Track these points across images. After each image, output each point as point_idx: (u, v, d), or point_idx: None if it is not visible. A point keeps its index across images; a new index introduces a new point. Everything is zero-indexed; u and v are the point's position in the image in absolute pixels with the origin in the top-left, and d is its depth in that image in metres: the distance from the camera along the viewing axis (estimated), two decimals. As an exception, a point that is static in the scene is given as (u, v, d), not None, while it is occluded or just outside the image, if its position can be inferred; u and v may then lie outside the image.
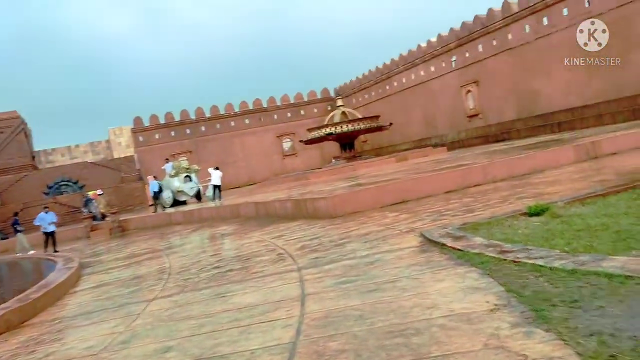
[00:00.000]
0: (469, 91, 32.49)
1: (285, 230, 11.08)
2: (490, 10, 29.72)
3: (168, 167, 26.98)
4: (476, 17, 30.57)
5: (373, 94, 43.42)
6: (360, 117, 30.47)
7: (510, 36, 28.56)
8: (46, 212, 17.92)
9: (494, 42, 29.73)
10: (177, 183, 26.04)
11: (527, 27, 27.36)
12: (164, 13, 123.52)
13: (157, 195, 25.10)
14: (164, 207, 26.10)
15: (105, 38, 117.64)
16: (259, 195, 20.14)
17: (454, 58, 33.43)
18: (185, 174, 26.40)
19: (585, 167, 12.05)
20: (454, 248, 5.82)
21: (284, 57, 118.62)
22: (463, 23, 31.87)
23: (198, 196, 26.55)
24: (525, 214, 7.10)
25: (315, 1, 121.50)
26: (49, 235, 17.65)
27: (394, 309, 4.14)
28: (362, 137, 36.56)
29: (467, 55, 32.10)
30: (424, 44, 36.53)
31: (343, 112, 31.18)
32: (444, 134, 35.22)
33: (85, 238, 22.58)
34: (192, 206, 23.08)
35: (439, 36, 34.59)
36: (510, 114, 29.71)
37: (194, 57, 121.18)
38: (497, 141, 28.37)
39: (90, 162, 46.00)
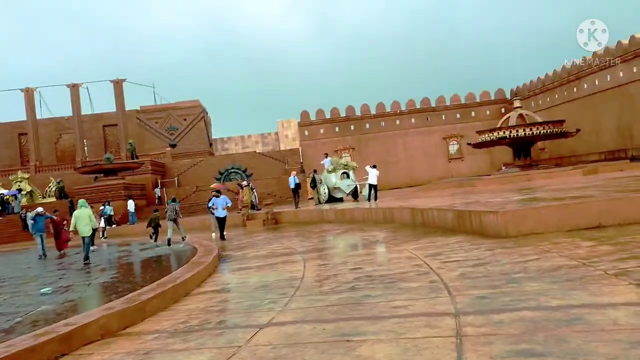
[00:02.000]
0: (682, 96, 27.03)
1: (443, 246, 9.22)
2: None
3: (327, 162, 26.36)
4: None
5: (556, 96, 38.76)
6: (541, 120, 26.89)
7: None
8: (217, 197, 17.27)
9: None
10: (334, 179, 25.27)
11: None
12: (331, 17, 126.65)
13: (295, 190, 24.96)
14: (320, 202, 25.54)
15: (279, 39, 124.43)
16: (417, 200, 18.32)
17: (665, 56, 28.09)
18: (343, 171, 25.49)
19: None
20: None
21: (454, 55, 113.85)
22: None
23: (355, 194, 25.51)
24: None
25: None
26: (220, 221, 17.04)
27: None
28: (539, 144, 32.70)
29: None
30: (625, 41, 31.36)
31: (520, 115, 27.86)
32: (643, 147, 29.93)
33: (241, 226, 22.75)
34: (347, 205, 22.01)
35: (647, 31, 29.34)
36: None
37: (359, 58, 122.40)
38: None
39: (259, 152, 47.87)
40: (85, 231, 14.80)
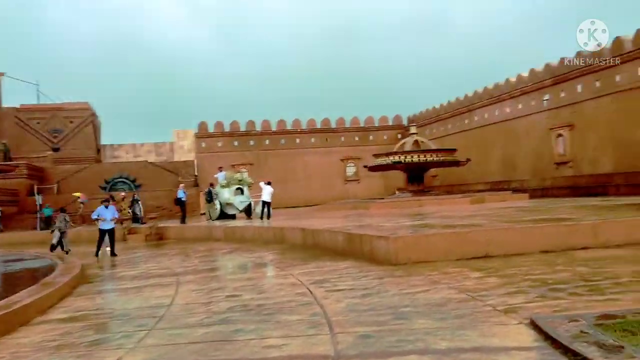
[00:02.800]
0: (559, 135, 29.06)
1: (331, 272, 8.64)
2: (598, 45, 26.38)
3: (220, 176, 25.15)
4: (579, 54, 27.29)
5: (449, 126, 40.48)
6: (435, 148, 27.68)
7: (618, 78, 25.09)
8: (106, 207, 14.93)
9: (597, 84, 26.32)
10: (227, 194, 24.13)
11: (640, 69, 23.92)
12: (238, 30, 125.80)
13: (179, 202, 23.96)
14: (211, 218, 24.30)
15: (181, 49, 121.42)
16: (311, 220, 17.81)
17: (546, 97, 30.14)
18: (237, 186, 24.47)
19: None
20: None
21: (355, 80, 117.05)
22: (562, 59, 28.59)
23: (248, 211, 24.51)
24: None
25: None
26: (106, 233, 14.74)
27: None
28: (432, 171, 33.72)
29: (562, 95, 28.75)
30: (513, 79, 33.41)
31: (415, 141, 28.52)
32: (524, 179, 31.77)
33: (122, 241, 20.93)
34: (238, 222, 21.04)
35: (532, 71, 31.43)
36: (607, 166, 26.08)
37: (264, 74, 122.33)
38: (589, 194, 24.78)
39: (150, 162, 45.39)
40: None
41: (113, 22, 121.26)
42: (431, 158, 26.16)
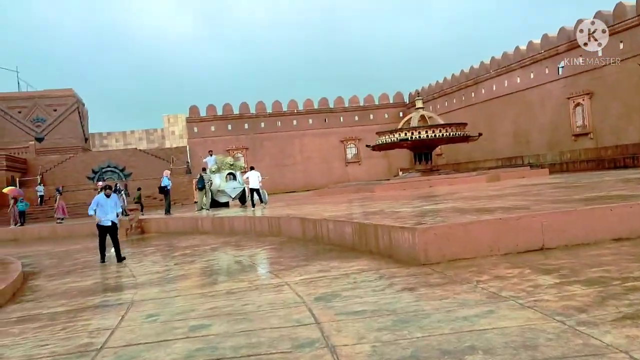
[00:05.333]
0: (578, 104, 26.75)
1: (341, 279, 6.42)
2: (619, 4, 23.95)
3: (210, 160, 22.72)
4: (599, 13, 24.85)
5: (454, 101, 38.14)
6: (444, 123, 25.34)
7: (645, 38, 22.75)
8: (107, 196, 10.99)
9: (621, 45, 23.93)
10: (218, 181, 21.79)
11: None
12: (223, 14, 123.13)
13: (162, 191, 21.56)
14: (202, 207, 21.99)
15: (167, 37, 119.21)
16: (310, 207, 15.56)
17: (561, 64, 27.77)
18: (229, 171, 22.13)
19: None
20: None
21: (352, 58, 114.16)
22: (578, 21, 26.14)
23: (242, 199, 22.22)
24: None
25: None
26: (107, 232, 10.99)
27: None
28: (437, 150, 31.45)
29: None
30: (523, 47, 30.98)
31: (422, 117, 26.18)
32: (539, 154, 29.51)
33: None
34: (228, 212, 18.81)
35: (545, 37, 29.00)
36: (633, 135, 23.80)
37: (253, 58, 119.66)
38: (616, 167, 22.57)
39: (140, 150, 43.05)
40: None
41: (98, 13, 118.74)
42: (440, 133, 23.85)
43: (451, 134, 23.81)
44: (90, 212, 10.94)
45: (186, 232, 16.06)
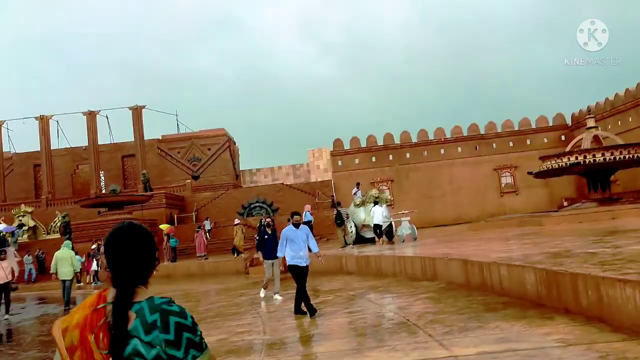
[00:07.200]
0: None
1: (537, 358, 4.38)
2: None
3: (359, 193, 21.45)
4: None
5: (630, 119, 33.04)
6: (625, 143, 21.46)
7: None
8: (296, 227, 9.18)
9: None
10: (362, 215, 20.33)
11: None
12: (364, 54, 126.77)
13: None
14: (346, 244, 20.67)
15: (311, 79, 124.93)
16: (470, 245, 13.34)
17: None
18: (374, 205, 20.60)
19: None
20: None
21: (501, 82, 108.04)
22: None
23: (389, 234, 20.50)
24: None
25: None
26: (302, 273, 8.56)
27: None
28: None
29: None
30: None
31: (595, 137, 22.56)
32: None
33: (243, 274, 18.15)
34: (374, 249, 17.17)
35: None
36: None
37: (396, 91, 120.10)
38: None
39: (287, 185, 43.55)
40: (66, 274, 14.00)
41: (249, 63, 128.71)
42: (621, 156, 20.11)
43: (636, 156, 19.96)
44: (280, 254, 8.94)
45: (329, 272, 14.69)
